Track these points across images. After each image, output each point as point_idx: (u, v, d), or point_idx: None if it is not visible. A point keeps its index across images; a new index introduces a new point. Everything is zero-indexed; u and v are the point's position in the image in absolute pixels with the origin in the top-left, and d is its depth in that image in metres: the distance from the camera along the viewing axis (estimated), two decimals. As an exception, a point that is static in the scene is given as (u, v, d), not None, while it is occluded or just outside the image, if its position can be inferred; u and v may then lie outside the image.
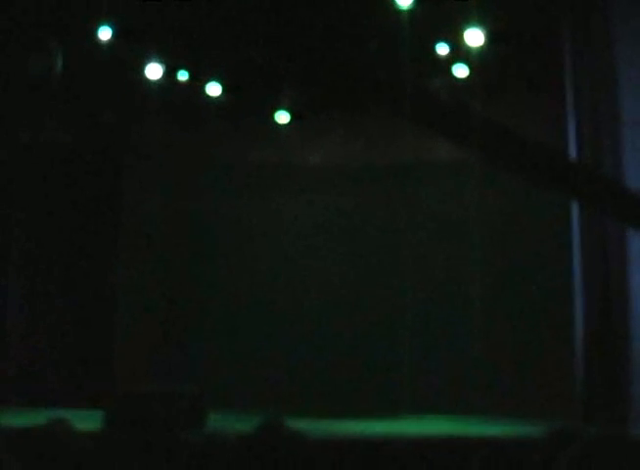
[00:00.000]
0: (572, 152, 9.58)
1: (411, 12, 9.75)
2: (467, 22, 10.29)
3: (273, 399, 11.69)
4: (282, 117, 12.54)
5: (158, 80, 11.46)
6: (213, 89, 11.95)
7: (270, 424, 2.23)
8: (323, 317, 12.51)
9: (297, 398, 11.78)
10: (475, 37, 10.43)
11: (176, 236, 12.98)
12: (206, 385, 9.93)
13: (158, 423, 7.54)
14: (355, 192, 12.79)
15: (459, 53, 10.91)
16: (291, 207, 12.96)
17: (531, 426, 8.12)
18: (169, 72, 11.56)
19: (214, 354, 12.40)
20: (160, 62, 11.35)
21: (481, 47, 10.56)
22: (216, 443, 2.17)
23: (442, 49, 10.93)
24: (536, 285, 11.62)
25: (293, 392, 11.98)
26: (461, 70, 11.17)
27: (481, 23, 10.30)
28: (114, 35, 10.56)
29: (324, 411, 10.71)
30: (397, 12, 9.78)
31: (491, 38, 10.51)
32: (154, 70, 11.34)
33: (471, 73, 11.16)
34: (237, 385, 12.00)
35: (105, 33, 10.49)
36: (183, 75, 11.73)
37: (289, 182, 12.95)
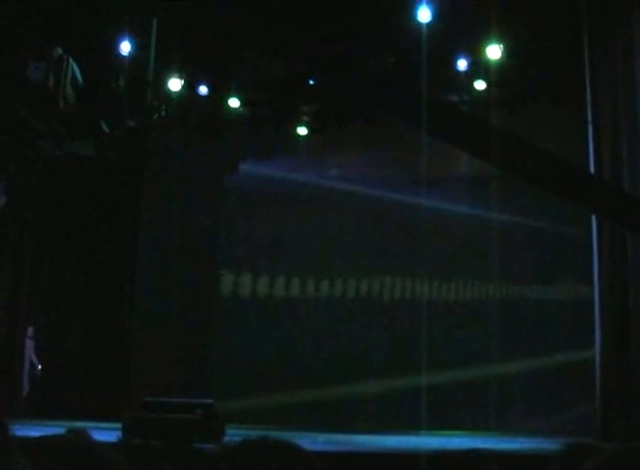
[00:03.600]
0: (591, 165, 9.55)
1: (430, 26, 9.76)
2: (486, 36, 10.29)
3: (292, 413, 11.69)
4: (301, 131, 12.57)
5: (178, 93, 11.49)
6: (233, 103, 11.98)
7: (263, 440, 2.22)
8: (342, 330, 12.50)
9: (316, 412, 11.77)
10: (494, 51, 10.43)
11: (194, 247, 13.00)
12: (224, 399, 9.94)
13: (175, 434, 7.55)
14: (373, 205, 12.78)
15: (479, 67, 10.90)
16: (309, 219, 12.96)
17: (549, 442, 8.08)
18: (190, 86, 11.60)
19: (232, 367, 12.40)
20: (181, 75, 11.40)
21: (501, 61, 10.55)
22: (229, 453, 2.18)
23: (462, 63, 10.93)
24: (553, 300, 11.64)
25: (312, 406, 11.96)
26: (480, 85, 11.17)
27: (501, 37, 10.30)
28: (137, 48, 10.63)
29: (342, 426, 10.71)
30: (417, 26, 9.80)
31: (511, 52, 10.51)
32: (175, 84, 11.39)
33: (490, 87, 11.15)
34: (254, 398, 12.00)
35: (126, 46, 10.57)
36: (204, 89, 11.78)
37: (307, 194, 12.96)
